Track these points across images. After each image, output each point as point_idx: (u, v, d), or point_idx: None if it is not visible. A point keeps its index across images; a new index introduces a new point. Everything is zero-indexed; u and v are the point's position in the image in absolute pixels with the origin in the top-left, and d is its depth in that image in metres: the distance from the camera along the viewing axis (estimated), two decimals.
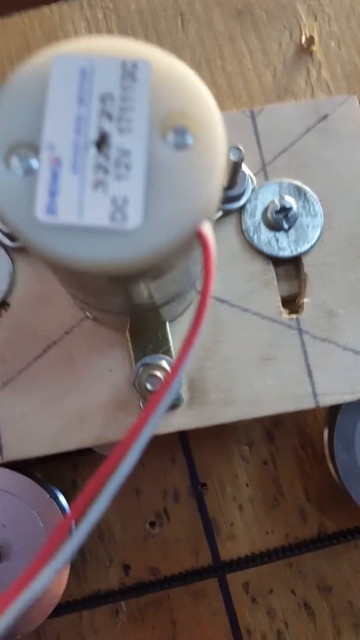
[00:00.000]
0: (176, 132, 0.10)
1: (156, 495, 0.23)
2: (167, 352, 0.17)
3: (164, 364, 0.17)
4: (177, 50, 0.26)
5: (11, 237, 0.18)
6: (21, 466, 0.20)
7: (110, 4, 0.27)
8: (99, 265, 0.10)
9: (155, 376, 0.15)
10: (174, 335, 0.18)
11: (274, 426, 0.24)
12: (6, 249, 0.18)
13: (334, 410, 0.21)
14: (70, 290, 0.14)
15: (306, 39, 0.26)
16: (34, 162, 0.10)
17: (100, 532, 0.23)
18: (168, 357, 0.17)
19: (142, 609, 0.23)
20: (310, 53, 0.26)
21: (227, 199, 0.18)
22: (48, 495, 0.20)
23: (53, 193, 0.10)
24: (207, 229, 0.10)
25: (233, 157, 0.16)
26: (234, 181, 0.18)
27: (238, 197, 0.18)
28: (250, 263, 0.19)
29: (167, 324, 0.18)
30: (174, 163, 0.10)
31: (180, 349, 0.10)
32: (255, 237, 0.19)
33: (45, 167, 0.10)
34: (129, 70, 0.11)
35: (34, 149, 0.10)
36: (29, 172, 0.10)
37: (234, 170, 0.17)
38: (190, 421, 0.18)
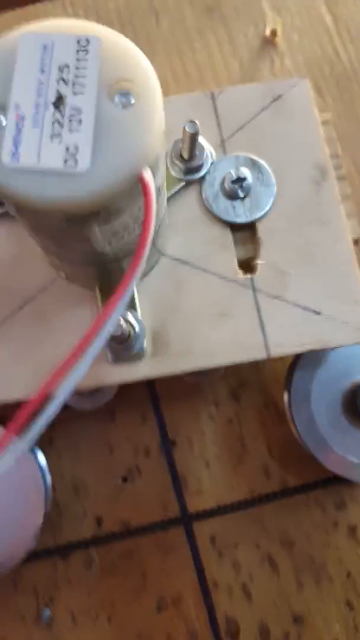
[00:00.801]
0: (121, 94, 0.12)
1: (128, 452, 0.25)
2: (133, 306, 0.19)
3: (129, 316, 0.18)
4: (151, 43, 0.29)
5: None
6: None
7: (90, 3, 0.30)
8: (54, 203, 0.12)
9: (119, 325, 0.17)
10: (142, 294, 0.20)
11: (239, 387, 0.26)
12: None
13: (292, 373, 0.23)
14: (40, 242, 0.16)
15: (270, 31, 0.28)
16: (2, 119, 0.12)
17: (74, 486, 0.24)
18: (133, 311, 0.19)
19: (114, 560, 0.24)
20: (274, 44, 0.28)
21: (188, 171, 0.20)
22: (29, 455, 0.22)
23: (17, 143, 0.12)
24: (147, 175, 0.12)
25: (189, 129, 0.18)
26: (193, 153, 0.20)
27: (198, 169, 0.20)
28: (209, 228, 0.20)
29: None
30: (119, 119, 0.12)
31: (125, 275, 0.12)
32: (214, 205, 0.20)
33: (12, 122, 0.12)
34: (83, 45, 0.13)
35: (3, 108, 0.12)
36: None
37: (192, 142, 0.19)
38: (153, 370, 0.19)
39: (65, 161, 0.12)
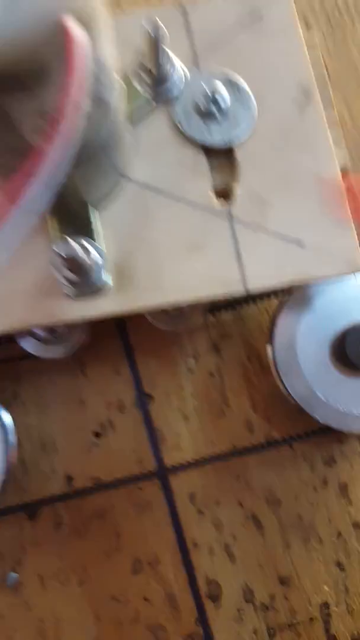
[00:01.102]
0: None
1: (100, 407, 0.23)
2: (90, 234, 0.17)
3: (84, 241, 0.17)
4: None
5: None
6: None
7: None
8: None
9: (68, 243, 0.15)
10: (105, 223, 0.18)
11: (220, 339, 0.24)
12: None
13: (274, 321, 0.21)
14: None
15: None
16: None
17: (42, 443, 0.23)
18: (90, 239, 0.17)
19: (85, 520, 0.23)
20: None
21: (159, 87, 0.18)
22: None
23: None
24: (68, 22, 0.10)
25: (150, 31, 0.16)
26: (157, 62, 0.18)
27: (170, 86, 0.18)
28: (181, 150, 0.18)
29: (94, 210, 0.18)
30: None
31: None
32: (185, 124, 0.18)
33: None
34: None
35: None
36: None
37: (155, 48, 0.17)
38: (118, 306, 0.17)
39: None
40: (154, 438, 0.23)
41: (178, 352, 0.24)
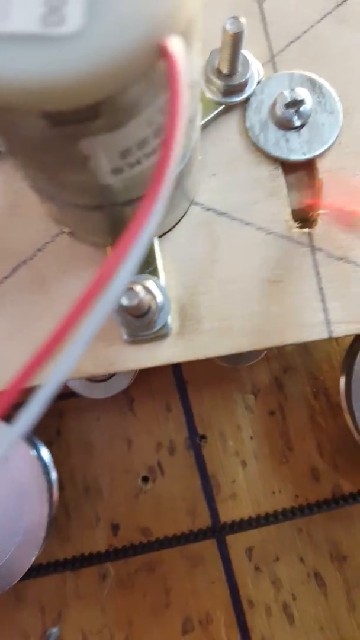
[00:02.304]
0: None
1: (149, 448, 0.21)
2: (154, 272, 0.15)
3: (149, 283, 0.14)
4: None
5: None
6: None
7: None
8: (29, 86, 0.07)
9: (132, 289, 0.13)
10: (166, 254, 0.15)
11: (283, 372, 0.21)
12: None
13: (353, 353, 0.19)
14: (26, 174, 0.12)
15: None
16: None
17: (86, 487, 0.21)
18: (154, 277, 0.14)
19: (132, 573, 0.21)
20: None
21: (228, 91, 0.15)
22: (29, 449, 0.18)
23: None
24: (173, 45, 0.08)
25: (231, 28, 0.13)
26: (235, 65, 0.15)
27: (241, 88, 0.15)
28: (255, 167, 0.16)
29: (155, 239, 0.15)
30: None
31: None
32: (261, 137, 0.16)
33: None
34: None
35: None
36: None
37: (234, 47, 0.14)
38: (180, 353, 0.15)
39: (45, 20, 0.07)
40: (207, 485, 0.21)
41: (235, 388, 0.21)
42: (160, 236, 0.15)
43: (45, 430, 0.21)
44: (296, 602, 0.21)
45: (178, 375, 0.21)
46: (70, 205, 0.12)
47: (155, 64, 0.08)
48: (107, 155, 0.10)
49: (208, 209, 0.16)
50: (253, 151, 0.16)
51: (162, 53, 0.08)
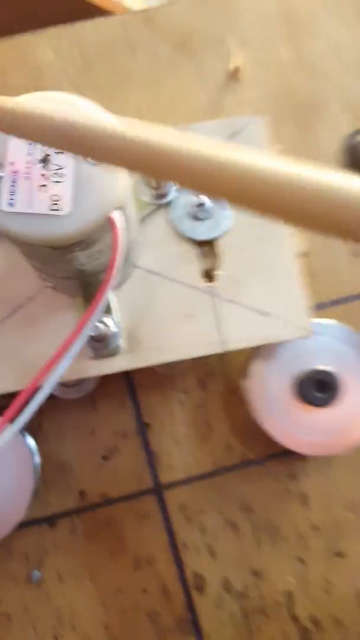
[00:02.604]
0: None
1: (108, 434, 0.28)
2: (109, 311, 0.23)
3: (106, 319, 0.22)
4: (128, 74, 0.32)
5: None
6: None
7: (73, 35, 0.33)
8: (43, 238, 0.16)
9: (96, 325, 0.21)
10: (120, 300, 0.23)
11: (206, 376, 0.29)
12: None
13: (249, 363, 0.27)
14: (31, 262, 0.20)
15: (234, 67, 0.31)
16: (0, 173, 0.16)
17: (60, 465, 0.28)
18: (110, 315, 0.23)
19: (96, 527, 0.27)
20: (238, 79, 0.32)
21: (157, 196, 0.24)
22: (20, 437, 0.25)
23: (13, 192, 0.16)
24: (114, 215, 0.16)
25: None
26: (160, 184, 0.23)
27: (165, 195, 0.24)
28: (177, 244, 0.24)
29: (111, 292, 0.23)
30: (93, 173, 0.16)
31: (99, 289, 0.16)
32: (179, 225, 0.24)
33: (8, 176, 0.16)
34: None
35: (1, 165, 0.16)
36: None
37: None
38: (128, 364, 0.23)
39: (51, 207, 0.16)
40: (151, 460, 0.28)
41: (171, 388, 0.29)
42: (115, 289, 0.24)
43: (29, 425, 0.28)
44: (217, 543, 0.27)
45: (129, 381, 0.29)
46: (55, 276, 0.20)
47: (106, 224, 0.16)
48: (81, 258, 0.18)
49: (147, 270, 0.24)
50: (175, 234, 0.24)
51: (110, 220, 0.16)
